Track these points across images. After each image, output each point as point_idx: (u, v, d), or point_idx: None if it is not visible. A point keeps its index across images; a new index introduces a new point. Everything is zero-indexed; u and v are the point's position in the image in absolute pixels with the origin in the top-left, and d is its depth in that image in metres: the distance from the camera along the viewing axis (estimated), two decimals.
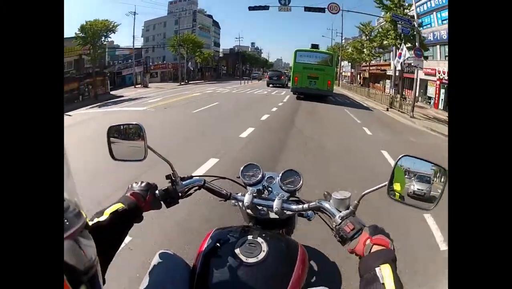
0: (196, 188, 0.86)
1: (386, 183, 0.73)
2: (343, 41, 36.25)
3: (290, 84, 15.53)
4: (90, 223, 0.68)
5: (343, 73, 41.06)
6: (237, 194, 0.89)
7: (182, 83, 28.55)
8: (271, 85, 24.52)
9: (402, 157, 0.75)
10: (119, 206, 0.75)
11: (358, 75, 38.96)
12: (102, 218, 0.72)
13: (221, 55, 56.15)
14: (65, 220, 0.36)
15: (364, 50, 25.02)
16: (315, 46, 15.56)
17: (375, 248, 0.63)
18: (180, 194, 0.83)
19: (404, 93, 15.75)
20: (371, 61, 28.11)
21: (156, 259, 0.76)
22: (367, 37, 24.84)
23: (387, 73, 25.89)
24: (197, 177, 0.87)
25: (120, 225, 0.74)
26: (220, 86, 22.61)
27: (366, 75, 33.24)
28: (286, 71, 34.96)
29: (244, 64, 60.12)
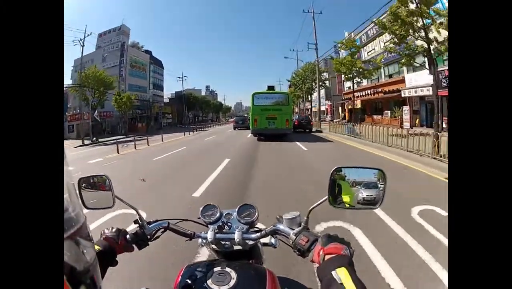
0: (162, 229, 0.93)
1: (326, 197, 0.82)
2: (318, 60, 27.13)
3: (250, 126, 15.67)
4: None
5: (316, 108, 32.04)
6: (200, 232, 0.95)
7: (86, 142, 19.05)
8: (237, 128, 26.44)
9: (334, 170, 0.83)
10: (96, 247, 0.75)
11: (341, 108, 30.67)
12: None
13: (166, 100, 48.62)
14: (65, 220, 0.36)
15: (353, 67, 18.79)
16: (271, 87, 15.98)
17: (328, 256, 0.67)
18: (148, 237, 0.90)
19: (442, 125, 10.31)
20: (362, 83, 21.88)
21: None
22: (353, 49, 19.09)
23: (402, 95, 18.40)
24: (161, 220, 0.94)
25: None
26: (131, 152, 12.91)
27: (357, 104, 24.01)
28: (246, 115, 32.91)
29: (193, 109, 54.60)
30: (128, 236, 0.88)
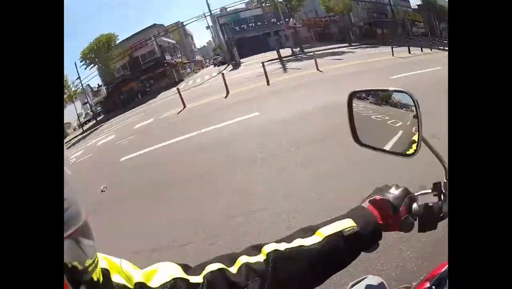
0: None
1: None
2: None
3: None
4: (288, 247, 0.49)
5: None
6: None
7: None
8: None
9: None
10: (348, 225, 0.53)
11: None
12: (308, 241, 0.51)
13: (414, 6, 32.81)
14: (65, 219, 0.36)
15: None
16: None
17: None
18: (442, 215, 0.58)
19: None
20: None
21: (362, 282, 0.67)
22: None
23: None
24: None
25: (345, 254, 0.52)
26: None
27: None
28: None
29: (442, 22, 34.50)
30: (415, 206, 0.57)
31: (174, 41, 30.38)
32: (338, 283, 1.51)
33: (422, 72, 8.74)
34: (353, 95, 0.62)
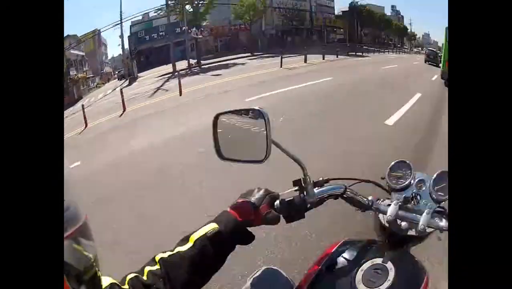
0: (334, 196, 0.68)
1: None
2: None
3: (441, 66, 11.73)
4: (170, 254, 0.59)
5: None
6: (378, 200, 0.71)
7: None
8: (427, 62, 22.06)
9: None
10: (211, 227, 0.62)
11: None
12: (184, 247, 0.60)
13: (339, 13, 35.94)
14: (65, 219, 0.36)
15: None
16: None
17: None
18: (309, 205, 0.65)
19: None
20: None
21: (259, 274, 0.71)
22: None
23: None
24: (334, 184, 0.69)
25: (214, 252, 0.61)
26: None
27: None
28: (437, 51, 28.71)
29: (369, 28, 39.39)
30: (277, 203, 0.65)
31: (83, 53, 26.75)
32: (238, 277, 1.68)
33: (294, 88, 8.29)
34: (217, 117, 0.69)
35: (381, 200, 0.72)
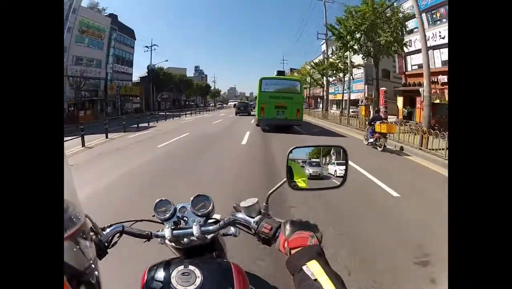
0: (118, 234, 0.85)
1: (285, 179, 0.82)
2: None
3: (255, 114, 13.70)
4: None
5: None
6: (157, 231, 0.90)
7: None
8: (239, 114, 26.15)
9: (291, 150, 0.84)
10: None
11: (402, 99, 17.20)
12: None
13: (137, 79, 38.15)
14: (65, 220, 0.36)
15: None
16: (281, 73, 14.71)
17: (294, 250, 0.63)
18: (106, 244, 0.81)
19: None
20: None
21: None
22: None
23: None
24: (116, 224, 0.86)
25: None
26: None
27: (441, 97, 12.80)
28: (247, 101, 33.20)
29: (165, 90, 41.82)
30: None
31: None
32: None
33: None
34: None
35: (159, 230, 0.90)
